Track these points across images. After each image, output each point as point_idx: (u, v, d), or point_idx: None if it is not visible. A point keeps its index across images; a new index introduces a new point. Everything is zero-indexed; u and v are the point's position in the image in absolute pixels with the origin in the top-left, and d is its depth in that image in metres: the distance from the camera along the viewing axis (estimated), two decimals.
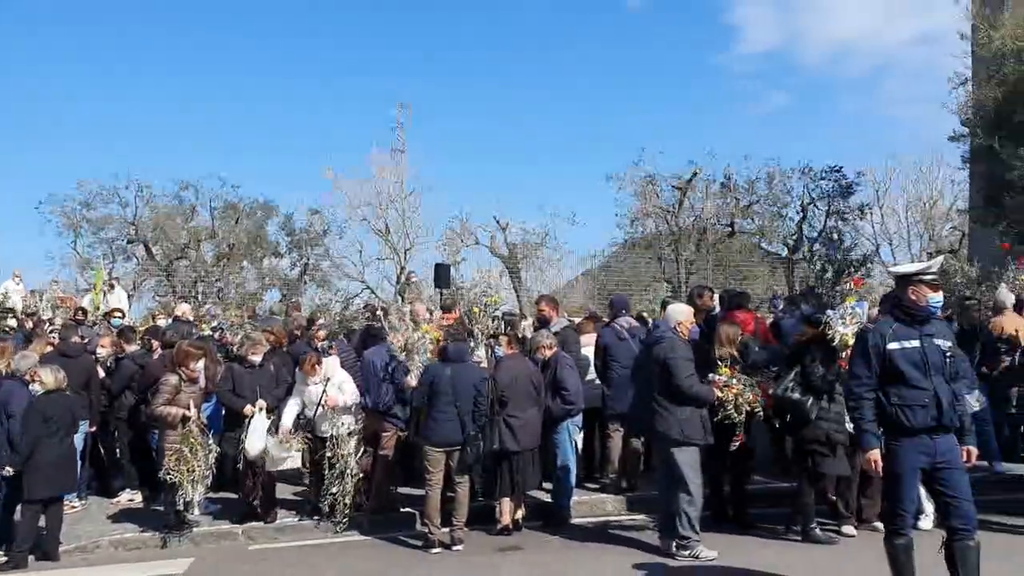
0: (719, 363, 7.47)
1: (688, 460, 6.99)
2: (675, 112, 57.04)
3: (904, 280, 5.35)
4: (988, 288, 10.21)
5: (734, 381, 7.38)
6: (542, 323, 9.29)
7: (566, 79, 57.70)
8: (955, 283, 10.79)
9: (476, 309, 8.71)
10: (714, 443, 7.22)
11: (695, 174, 27.32)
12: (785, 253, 27.79)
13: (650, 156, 28.07)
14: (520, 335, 9.14)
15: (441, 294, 15.55)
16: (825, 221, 27.14)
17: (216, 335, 11.71)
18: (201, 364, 8.56)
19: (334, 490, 8.16)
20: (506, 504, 7.96)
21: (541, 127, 57.25)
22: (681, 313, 7.49)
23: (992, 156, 13.59)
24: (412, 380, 8.31)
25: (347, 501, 8.19)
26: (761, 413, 7.46)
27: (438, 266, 17.69)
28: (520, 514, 8.14)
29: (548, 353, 8.31)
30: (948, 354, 5.25)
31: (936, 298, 5.29)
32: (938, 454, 5.16)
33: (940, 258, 6.44)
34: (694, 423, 7.00)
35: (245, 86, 54.55)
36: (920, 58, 56.12)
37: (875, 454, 5.25)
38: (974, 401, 7.81)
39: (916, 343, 5.20)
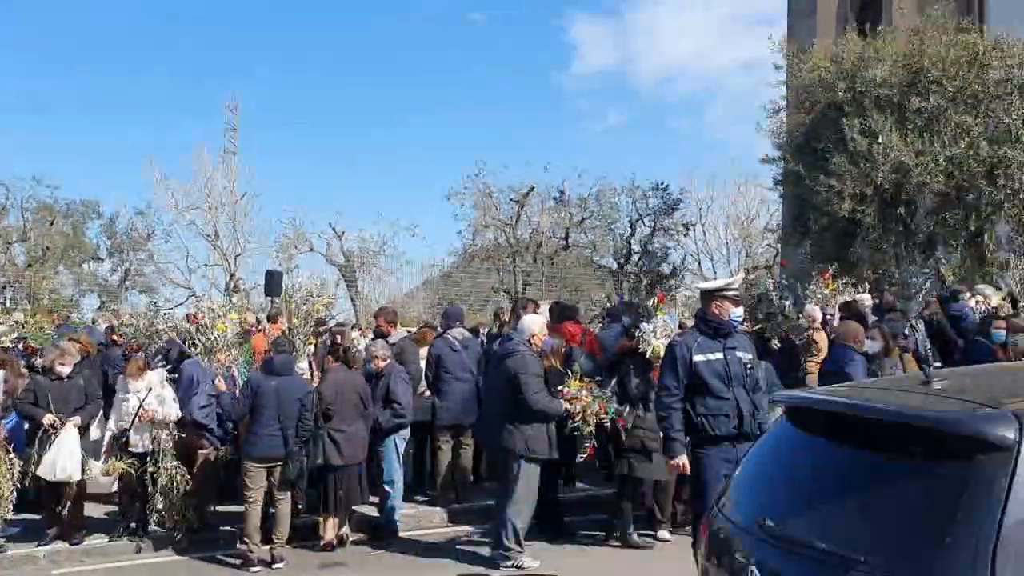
0: (569, 375, 7.55)
1: (528, 475, 7.01)
2: (515, 127, 58.04)
3: (708, 295, 5.65)
4: (796, 305, 10.83)
5: (583, 393, 7.44)
6: (379, 337, 9.18)
7: (407, 89, 57.57)
8: (770, 301, 11.41)
9: (296, 320, 8.44)
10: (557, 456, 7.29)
11: (532, 188, 27.89)
12: (615, 267, 28.80)
13: (492, 169, 28.45)
14: (348, 347, 8.98)
15: (272, 302, 15.06)
16: (651, 236, 28.32)
17: (19, 345, 10.92)
18: (1, 375, 7.97)
19: (159, 506, 7.77)
20: (330, 520, 7.79)
21: (381, 137, 56.81)
22: (535, 325, 7.46)
23: (799, 179, 14.53)
24: (221, 383, 8.02)
25: (167, 517, 7.83)
26: (609, 424, 7.53)
27: (269, 273, 17.10)
28: (345, 530, 7.98)
29: (382, 364, 8.22)
30: (748, 366, 5.58)
31: (737, 312, 5.61)
32: (739, 461, 5.47)
33: (741, 275, 6.85)
34: (540, 438, 7.03)
35: (69, 83, 51.23)
36: (742, 83, 59.55)
37: (681, 459, 5.53)
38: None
39: (719, 355, 5.49)
